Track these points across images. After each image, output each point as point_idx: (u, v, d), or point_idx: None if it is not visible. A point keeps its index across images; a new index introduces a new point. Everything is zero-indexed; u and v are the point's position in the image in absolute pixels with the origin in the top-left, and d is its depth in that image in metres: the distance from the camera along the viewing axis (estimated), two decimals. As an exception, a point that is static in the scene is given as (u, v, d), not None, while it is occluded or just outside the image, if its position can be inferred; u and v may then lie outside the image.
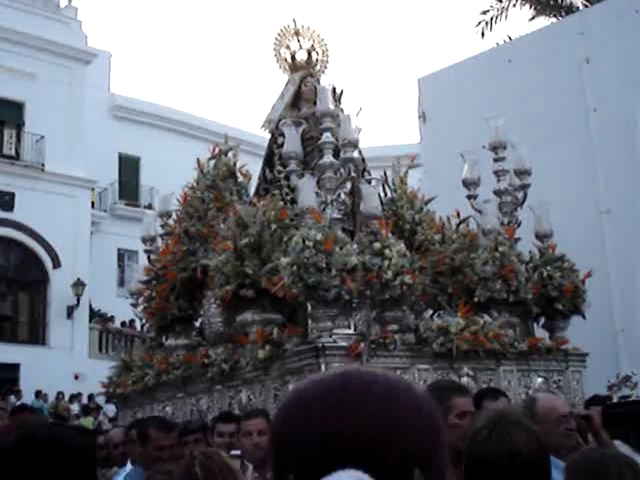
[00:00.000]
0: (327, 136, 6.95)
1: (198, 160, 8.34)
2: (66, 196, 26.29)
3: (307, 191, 6.61)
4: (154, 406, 8.32)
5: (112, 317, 27.80)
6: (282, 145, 8.45)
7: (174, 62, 73.33)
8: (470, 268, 7.68)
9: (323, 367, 6.11)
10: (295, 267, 6.18)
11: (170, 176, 20.19)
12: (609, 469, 2.65)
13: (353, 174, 6.98)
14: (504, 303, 7.17)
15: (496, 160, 7.88)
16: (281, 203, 7.39)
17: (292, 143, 6.94)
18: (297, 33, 9.00)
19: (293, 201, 7.85)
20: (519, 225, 7.69)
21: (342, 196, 7.11)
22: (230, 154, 8.36)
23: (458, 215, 8.27)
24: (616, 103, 12.07)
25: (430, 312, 7.82)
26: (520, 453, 2.45)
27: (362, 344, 6.22)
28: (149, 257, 9.14)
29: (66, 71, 27.32)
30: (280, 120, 8.62)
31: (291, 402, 1.08)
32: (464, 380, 6.71)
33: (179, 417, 7.62)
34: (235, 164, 8.38)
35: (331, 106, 6.99)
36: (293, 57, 8.98)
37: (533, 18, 20.22)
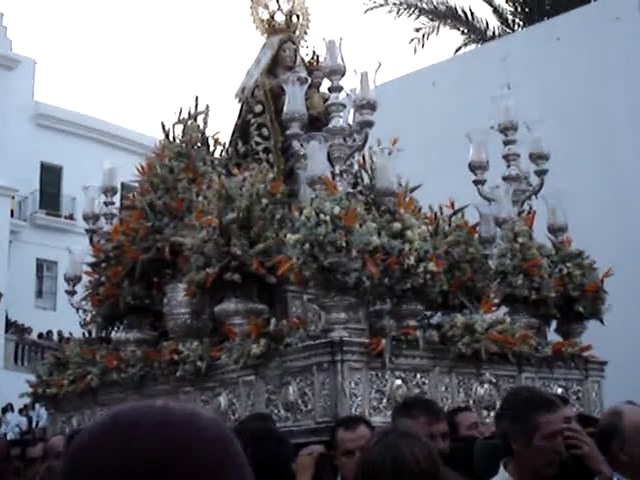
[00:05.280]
0: (336, 96, 5.94)
1: (162, 124, 7.16)
2: (-16, 204, 25.16)
3: (317, 158, 5.56)
4: (96, 410, 7.05)
5: (29, 328, 26.41)
6: (259, 114, 7.43)
7: (99, 72, 71.23)
8: (469, 264, 6.81)
9: (339, 366, 5.07)
10: (307, 245, 5.13)
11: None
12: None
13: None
14: (522, 302, 6.31)
15: (506, 143, 7.04)
16: (271, 175, 6.32)
17: (295, 103, 5.88)
18: (276, -8, 7.95)
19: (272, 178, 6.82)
20: (533, 215, 6.85)
21: (355, 166, 6.10)
22: (200, 119, 7.21)
23: (452, 205, 7.39)
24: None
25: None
26: (404, 460, 2.47)
27: (384, 340, 5.21)
28: (91, 238, 7.90)
29: (-11, 77, 26.19)
30: (256, 87, 7.58)
31: (72, 445, 1.06)
32: (485, 387, 5.81)
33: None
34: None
35: (340, 62, 5.97)
36: (271, 19, 7.93)
37: (459, 49, 19.99)
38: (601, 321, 6.69)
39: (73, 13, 72.78)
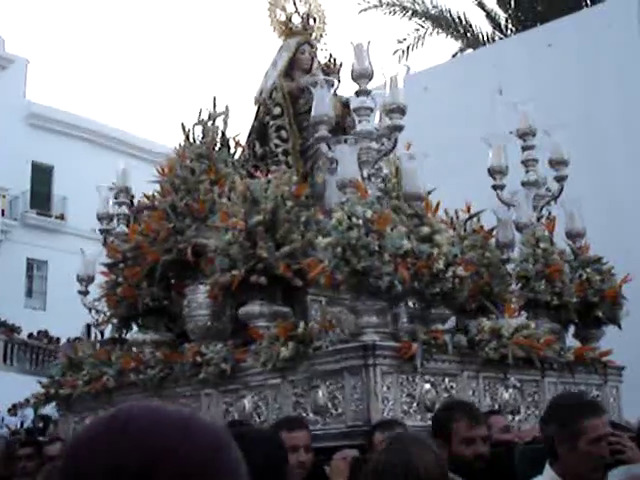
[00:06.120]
0: (363, 100, 5.95)
1: (182, 125, 7.13)
2: (-26, 204, 25.17)
3: (347, 161, 5.57)
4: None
5: (19, 328, 26.26)
6: (278, 116, 7.43)
7: (92, 72, 70.61)
8: (486, 268, 6.84)
9: (371, 370, 5.08)
10: (339, 249, 5.13)
11: (83, 187, 19.41)
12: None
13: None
14: (543, 307, 6.34)
15: (525, 149, 7.08)
16: (295, 177, 6.32)
17: (323, 105, 5.88)
18: (294, -6, 7.96)
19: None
20: (554, 221, 6.89)
21: (384, 170, 6.12)
22: (220, 120, 7.19)
23: (468, 209, 7.42)
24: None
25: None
26: (415, 466, 2.50)
27: (415, 344, 5.22)
28: (105, 238, 7.88)
29: (-20, 76, 26.21)
30: (275, 88, 7.57)
31: (70, 442, 1.10)
32: (510, 392, 5.83)
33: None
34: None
35: (368, 65, 5.98)
36: (288, 21, 7.93)
37: (455, 54, 20.01)
38: (619, 326, 6.73)
39: (66, 14, 72.34)
